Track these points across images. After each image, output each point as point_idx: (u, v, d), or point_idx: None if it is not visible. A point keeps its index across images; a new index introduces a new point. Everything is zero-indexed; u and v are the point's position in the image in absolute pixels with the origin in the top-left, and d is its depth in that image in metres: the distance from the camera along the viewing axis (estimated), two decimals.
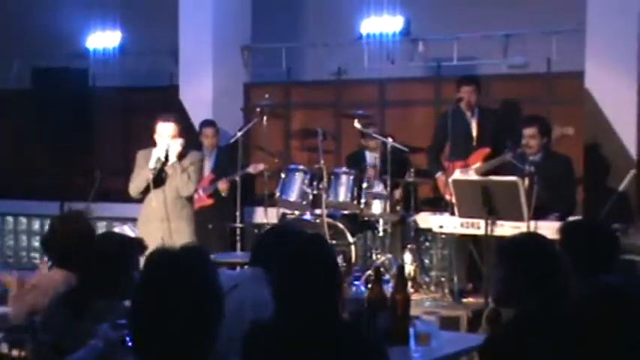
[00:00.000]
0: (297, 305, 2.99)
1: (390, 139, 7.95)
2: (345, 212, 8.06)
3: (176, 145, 6.49)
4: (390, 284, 4.44)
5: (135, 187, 6.61)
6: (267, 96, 8.79)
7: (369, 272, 6.84)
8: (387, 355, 3.09)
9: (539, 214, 6.63)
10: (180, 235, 6.44)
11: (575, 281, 3.45)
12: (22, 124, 10.18)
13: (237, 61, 9.69)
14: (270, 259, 3.47)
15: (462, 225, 6.96)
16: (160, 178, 6.51)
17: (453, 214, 7.11)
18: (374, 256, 7.92)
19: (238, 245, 8.26)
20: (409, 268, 7.56)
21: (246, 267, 4.66)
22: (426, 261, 8.52)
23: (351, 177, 7.83)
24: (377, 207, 7.88)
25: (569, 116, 7.92)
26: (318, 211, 7.81)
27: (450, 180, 7.14)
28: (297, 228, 6.12)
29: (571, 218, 6.36)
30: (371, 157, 8.34)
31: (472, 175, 7.37)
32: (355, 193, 7.78)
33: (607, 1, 7.85)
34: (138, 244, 3.89)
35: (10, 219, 10.57)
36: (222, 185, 8.48)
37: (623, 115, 7.79)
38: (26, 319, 4.05)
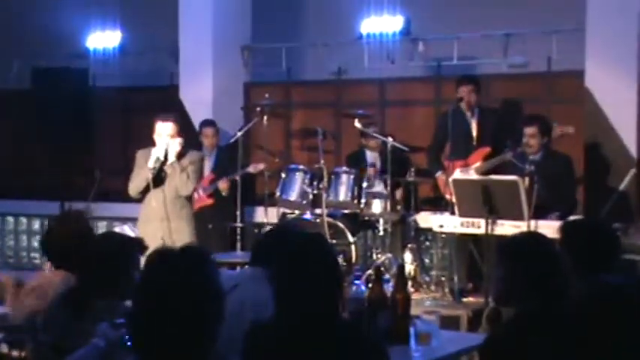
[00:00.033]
0: (297, 305, 2.98)
1: (390, 139, 7.95)
2: (346, 212, 8.06)
3: (175, 145, 6.49)
4: (391, 284, 4.44)
5: (134, 186, 6.61)
6: (267, 96, 8.79)
7: (370, 272, 6.84)
8: (387, 355, 3.09)
9: (539, 214, 6.63)
10: (180, 234, 6.44)
11: (576, 281, 3.45)
12: (22, 124, 10.18)
13: (237, 61, 9.69)
14: (270, 259, 3.47)
15: (462, 224, 6.96)
16: (159, 178, 6.51)
17: (453, 213, 7.11)
18: (374, 256, 7.92)
19: (238, 245, 8.25)
20: (409, 268, 7.56)
21: (246, 267, 4.66)
22: (427, 260, 8.52)
23: (352, 176, 7.84)
24: (377, 206, 7.88)
25: (570, 115, 7.92)
26: (318, 211, 7.81)
27: (450, 179, 7.14)
28: (297, 228, 6.14)
29: (571, 218, 6.36)
30: (371, 157, 8.34)
31: (472, 175, 7.37)
32: (355, 193, 7.78)
33: (607, 1, 7.85)
34: (138, 244, 3.89)
35: (10, 219, 10.56)
36: (223, 185, 8.48)
37: (623, 114, 7.79)
38: (26, 320, 4.04)
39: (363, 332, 3.34)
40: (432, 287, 7.69)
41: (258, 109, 8.73)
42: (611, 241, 4.03)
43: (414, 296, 6.80)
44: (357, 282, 4.35)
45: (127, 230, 6.23)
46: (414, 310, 4.70)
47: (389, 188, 7.80)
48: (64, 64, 9.59)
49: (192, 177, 6.57)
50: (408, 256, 7.71)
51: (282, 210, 8.34)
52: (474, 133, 7.91)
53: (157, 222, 6.45)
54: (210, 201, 8.52)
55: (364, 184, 7.80)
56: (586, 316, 2.48)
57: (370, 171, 8.08)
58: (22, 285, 4.63)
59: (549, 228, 5.68)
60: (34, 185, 10.22)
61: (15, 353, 4.11)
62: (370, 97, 9.32)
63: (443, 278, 7.80)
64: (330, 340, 2.97)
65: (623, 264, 4.91)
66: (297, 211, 8.13)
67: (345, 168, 8.03)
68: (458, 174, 7.37)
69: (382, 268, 6.44)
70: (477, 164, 7.61)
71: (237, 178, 8.34)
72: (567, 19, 8.21)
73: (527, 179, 6.67)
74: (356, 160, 8.36)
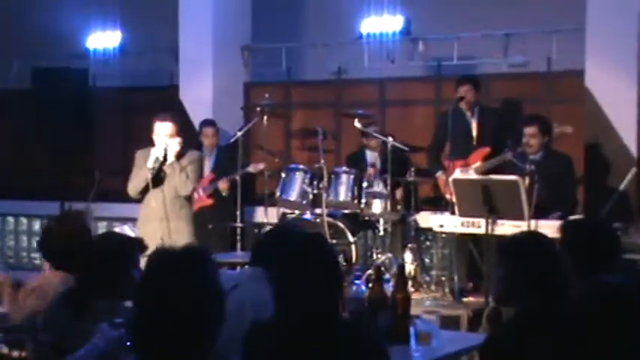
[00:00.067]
0: (297, 305, 2.98)
1: (390, 139, 7.95)
2: (346, 211, 8.06)
3: (174, 145, 6.48)
4: (391, 283, 4.44)
5: (134, 186, 6.60)
6: (267, 96, 8.78)
7: (370, 271, 6.84)
8: (387, 355, 3.09)
9: (539, 214, 6.62)
10: (180, 234, 6.43)
11: (576, 280, 3.45)
12: (22, 124, 10.18)
13: (237, 61, 9.69)
14: (270, 259, 3.47)
15: (462, 224, 6.96)
16: (158, 178, 6.51)
17: (453, 213, 7.11)
18: (374, 256, 7.92)
19: (238, 245, 8.25)
20: (409, 268, 7.56)
21: (246, 267, 4.66)
22: (427, 260, 8.51)
23: (352, 176, 7.84)
24: (377, 206, 7.88)
25: (570, 115, 7.92)
26: (318, 211, 7.81)
27: (450, 179, 7.13)
28: (297, 228, 6.13)
29: (572, 217, 6.35)
30: (371, 157, 8.34)
31: (472, 175, 7.37)
32: (355, 193, 7.78)
33: (607, 1, 7.84)
34: (138, 244, 3.89)
35: (10, 219, 10.56)
36: (223, 185, 8.48)
37: (623, 114, 7.79)
38: (26, 320, 4.04)
39: (363, 332, 3.33)
40: (432, 287, 7.68)
41: (258, 109, 8.72)
42: (612, 240, 4.03)
43: (414, 296, 6.80)
44: (357, 282, 4.35)
45: (127, 230, 6.23)
46: (414, 310, 4.71)
47: (389, 188, 7.80)
48: (64, 64, 9.59)
49: (192, 177, 6.56)
50: (408, 256, 7.70)
51: (282, 210, 8.33)
52: (474, 132, 7.90)
53: (157, 222, 6.44)
54: (210, 201, 8.51)
55: (364, 184, 7.80)
56: (586, 316, 2.48)
57: (370, 171, 8.08)
58: (22, 285, 4.64)
59: (549, 228, 5.67)
60: (34, 185, 10.22)
61: (15, 353, 4.11)
62: (370, 97, 9.32)
63: (443, 278, 7.79)
64: (330, 340, 2.96)
65: (623, 264, 4.92)
66: (297, 211, 8.13)
67: (345, 168, 8.03)
68: (458, 174, 7.37)
69: (382, 268, 6.43)
70: (477, 164, 7.61)
71: (237, 178, 8.33)
72: (567, 19, 8.21)
73: (527, 179, 6.67)
74: (356, 160, 8.36)
